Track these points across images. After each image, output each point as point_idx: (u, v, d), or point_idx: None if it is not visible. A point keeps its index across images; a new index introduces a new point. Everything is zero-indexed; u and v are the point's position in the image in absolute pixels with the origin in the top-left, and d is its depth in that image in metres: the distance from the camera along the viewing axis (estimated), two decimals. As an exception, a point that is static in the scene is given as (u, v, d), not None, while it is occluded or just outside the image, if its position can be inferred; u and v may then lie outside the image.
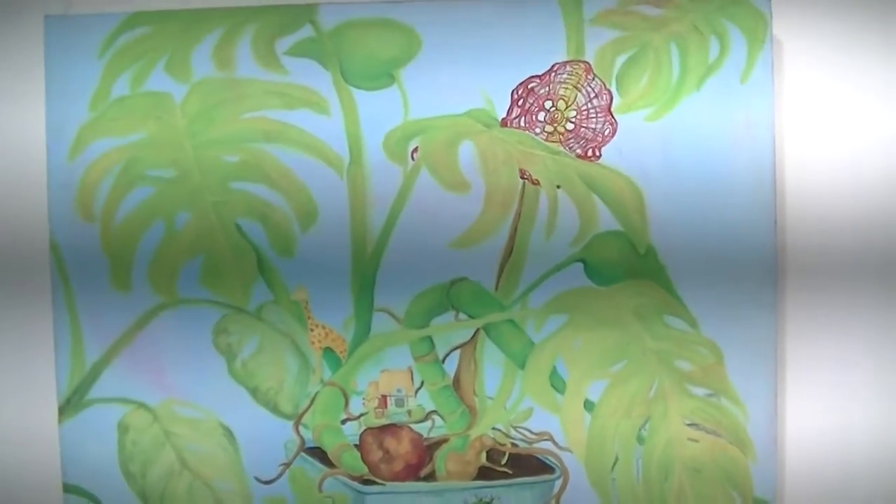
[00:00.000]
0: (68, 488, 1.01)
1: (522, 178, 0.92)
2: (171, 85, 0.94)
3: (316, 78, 0.93)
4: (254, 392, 0.93)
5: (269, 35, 0.93)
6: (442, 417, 0.95)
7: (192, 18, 0.93)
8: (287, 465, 0.97)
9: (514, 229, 0.92)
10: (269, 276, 0.93)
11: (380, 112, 0.93)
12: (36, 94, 0.96)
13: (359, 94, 0.93)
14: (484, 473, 1.01)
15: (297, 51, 0.93)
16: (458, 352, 0.95)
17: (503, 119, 0.91)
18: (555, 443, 0.93)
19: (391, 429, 0.95)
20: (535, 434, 0.93)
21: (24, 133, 0.97)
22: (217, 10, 0.93)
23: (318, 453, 1.00)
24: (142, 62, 0.94)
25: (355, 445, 0.99)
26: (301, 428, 0.94)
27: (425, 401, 0.96)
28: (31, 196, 0.97)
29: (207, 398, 0.95)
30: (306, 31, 0.93)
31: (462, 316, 0.93)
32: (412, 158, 0.92)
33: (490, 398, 0.93)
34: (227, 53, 0.92)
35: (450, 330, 0.93)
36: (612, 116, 0.91)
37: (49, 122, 0.94)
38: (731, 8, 0.90)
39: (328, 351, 0.92)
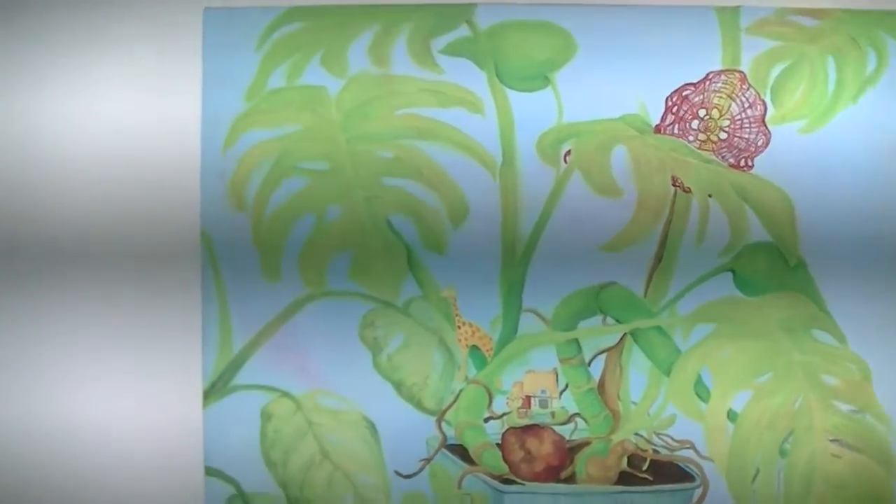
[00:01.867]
0: (210, 471, 1.03)
1: (674, 185, 0.93)
2: (326, 79, 0.96)
3: (471, 77, 0.95)
4: (398, 386, 0.94)
5: (426, 33, 0.94)
6: (585, 420, 0.96)
7: (350, 14, 0.95)
8: (428, 460, 0.98)
9: (665, 236, 0.93)
10: (419, 273, 0.94)
11: (534, 113, 0.94)
12: (192, 85, 0.98)
13: (513, 95, 0.94)
14: (624, 478, 1.02)
15: (453, 50, 0.94)
16: (604, 356, 0.96)
17: (657, 125, 0.92)
18: (696, 451, 0.94)
19: (534, 429, 0.96)
20: (677, 441, 0.94)
21: (179, 122, 1.00)
22: (374, 6, 0.95)
23: (460, 450, 1.01)
24: (298, 55, 0.95)
25: (497, 444, 1.00)
26: (444, 424, 0.96)
27: (569, 403, 0.98)
28: (183, 185, 1.00)
29: (351, 390, 0.98)
30: (463, 31, 0.94)
31: (609, 320, 0.94)
32: (565, 161, 0.93)
33: (634, 403, 0.94)
34: (384, 50, 0.94)
35: (597, 334, 0.94)
36: (766, 127, 0.92)
37: (205, 112, 0.96)
38: (889, 20, 0.91)
39: (474, 349, 0.94)
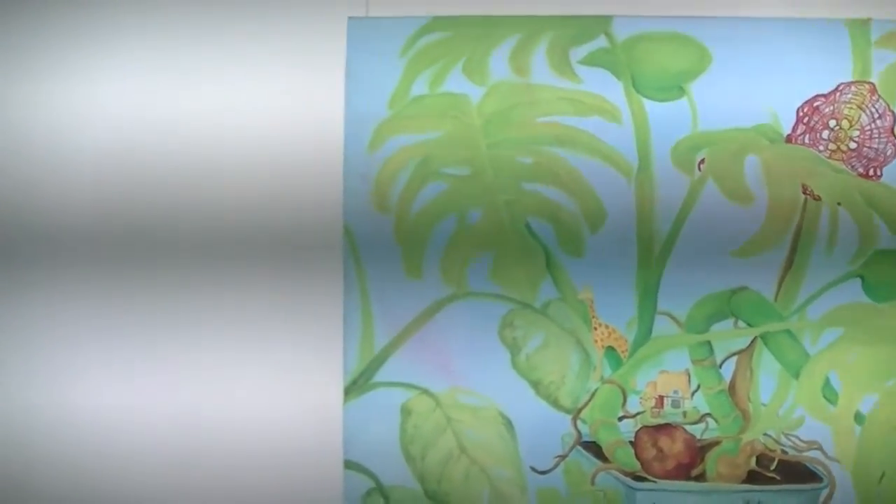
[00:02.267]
0: (349, 465, 1.07)
1: (804, 193, 0.97)
2: (468, 87, 1.00)
3: (608, 87, 0.99)
4: (535, 385, 0.99)
5: (565, 44, 0.99)
6: (716, 420, 0.99)
7: (491, 25, 0.99)
8: (563, 457, 1.01)
9: (795, 242, 0.97)
10: (557, 275, 0.98)
11: (669, 122, 0.98)
12: (335, 90, 1.02)
13: (649, 105, 0.98)
14: (752, 477, 1.05)
15: (591, 60, 0.99)
16: (735, 358, 1.00)
17: (788, 135, 0.97)
18: (824, 452, 0.98)
19: (666, 428, 0.99)
20: (805, 442, 0.98)
21: (321, 126, 1.04)
22: (515, 17, 0.99)
23: (593, 448, 1.04)
24: (441, 64, 1.00)
25: (630, 442, 1.03)
26: (579, 422, 1.00)
27: (700, 403, 1.01)
28: (325, 186, 1.04)
29: (490, 388, 1.02)
30: (600, 42, 0.99)
31: (741, 323, 0.98)
32: (699, 169, 0.97)
33: (763, 405, 0.98)
34: (524, 59, 0.98)
35: (728, 337, 0.98)
36: (895, 137, 0.95)
37: (348, 117, 1.01)
38: None
39: (610, 350, 0.98)
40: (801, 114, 0.96)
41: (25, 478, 1.20)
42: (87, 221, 1.17)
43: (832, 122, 0.96)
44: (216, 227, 1.11)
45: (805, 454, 0.98)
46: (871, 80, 0.97)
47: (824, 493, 1.01)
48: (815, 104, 0.96)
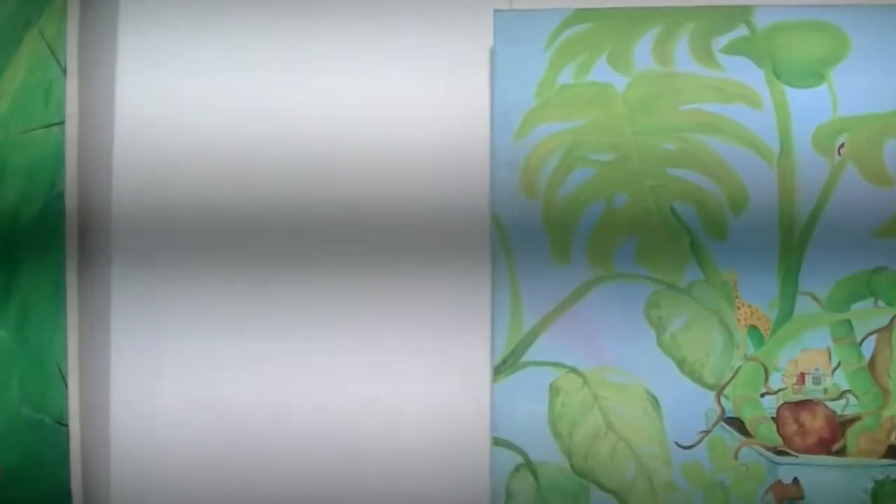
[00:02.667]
0: (498, 442, 1.11)
1: (944, 175, 1.00)
2: (613, 76, 1.05)
3: (750, 74, 1.04)
4: (680, 363, 1.04)
5: (706, 33, 1.03)
6: (856, 397, 1.06)
7: (634, 16, 1.04)
8: (706, 432, 1.06)
9: (935, 223, 1.01)
10: (701, 257, 1.04)
11: (810, 108, 1.04)
12: (480, 81, 1.08)
13: (790, 91, 1.03)
14: (892, 452, 1.08)
15: (733, 49, 1.04)
16: (874, 336, 1.05)
17: (927, 119, 1.00)
18: (963, 427, 1.00)
19: (807, 405, 1.05)
20: (945, 417, 1.01)
21: (468, 115, 1.10)
22: (657, 9, 1.04)
23: (736, 423, 1.08)
24: (586, 54, 1.05)
25: (772, 418, 1.07)
26: (722, 399, 1.05)
27: (841, 380, 1.07)
28: (472, 173, 1.10)
29: (636, 366, 1.07)
30: (741, 31, 1.03)
31: (881, 303, 1.03)
32: (839, 153, 1.02)
33: (903, 381, 1.01)
34: (667, 49, 1.03)
35: (868, 315, 1.03)
36: None
37: (496, 106, 1.07)
38: None
39: (753, 329, 1.03)
40: (939, 98, 0.99)
41: (151, 470, 1.27)
42: (229, 214, 1.24)
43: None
44: (367, 216, 1.18)
45: (944, 429, 1.00)
46: None
47: (963, 466, 0.98)
48: (953, 88, 0.99)
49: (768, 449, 1.09)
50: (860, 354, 1.03)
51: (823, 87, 1.02)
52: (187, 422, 1.25)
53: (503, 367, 1.12)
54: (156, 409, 1.27)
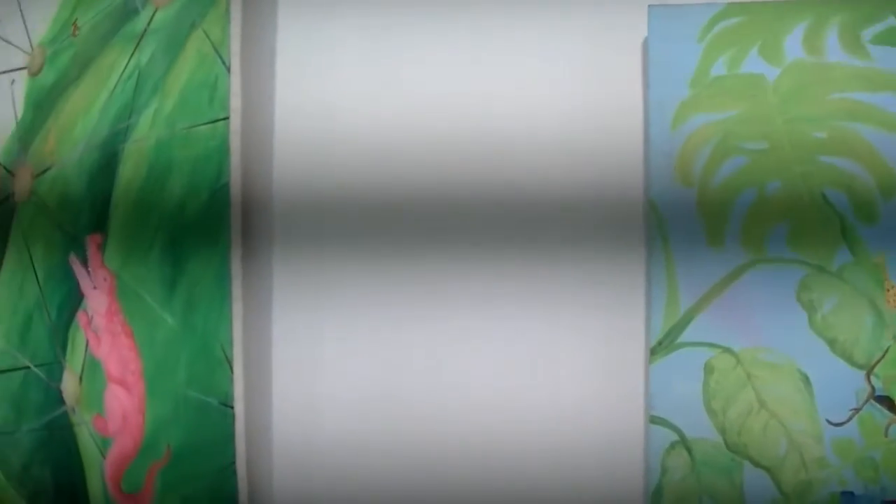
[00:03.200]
0: (654, 420, 1.17)
1: None
2: (764, 67, 1.12)
3: (898, 64, 1.07)
4: (831, 343, 1.10)
5: (856, 24, 1.09)
6: None
7: (785, 9, 1.10)
8: (857, 410, 1.13)
9: None
10: (852, 241, 1.10)
11: (957, 95, 1.06)
12: (633, 72, 1.16)
13: (939, 79, 1.07)
14: None
15: (881, 39, 1.10)
16: None
17: None
18: None
19: (959, 382, 1.07)
20: None
21: (621, 105, 1.17)
22: (807, 1, 1.10)
23: (886, 401, 1.13)
24: (737, 47, 1.12)
25: (922, 396, 1.06)
26: (872, 377, 1.11)
27: None
28: (626, 161, 1.17)
29: (788, 346, 1.14)
30: (890, 22, 1.09)
31: None
32: (983, 139, 1.06)
33: None
34: (817, 40, 1.10)
35: None
36: None
37: (651, 97, 1.13)
38: None
39: (903, 310, 1.08)
40: None
41: (311, 450, 1.35)
42: (386, 202, 1.32)
43: None
44: (524, 205, 1.26)
45: None
46: None
47: None
48: None
49: (918, 426, 1.04)
50: None
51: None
52: (346, 405, 1.32)
53: (659, 348, 1.17)
54: (316, 392, 1.34)
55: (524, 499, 1.27)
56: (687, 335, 1.19)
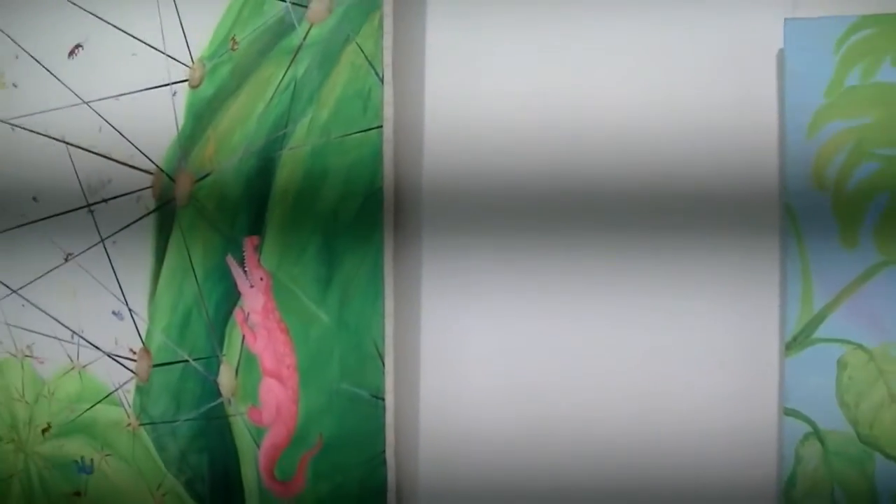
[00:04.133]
0: (788, 412, 1.29)
1: None
2: None
3: None
4: None
5: None
6: None
7: None
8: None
9: None
10: None
11: None
12: (768, 81, 1.34)
13: None
14: None
15: None
16: None
17: None
18: None
19: None
20: None
21: (757, 113, 1.33)
22: None
23: None
24: (871, 57, 1.25)
25: None
26: None
27: None
28: (763, 165, 1.33)
29: (917, 343, 1.18)
30: None
31: None
32: None
33: None
34: None
35: None
36: None
37: (787, 105, 1.27)
38: None
39: None
40: None
41: (456, 441, 1.50)
42: (533, 205, 1.46)
43: None
44: (663, 206, 1.39)
45: None
46: None
47: None
48: None
49: None
50: None
51: None
52: (491, 397, 1.46)
53: (794, 343, 1.29)
54: (462, 385, 1.48)
55: (661, 486, 1.39)
56: (821, 332, 1.30)
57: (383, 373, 1.45)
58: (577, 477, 1.42)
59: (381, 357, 1.45)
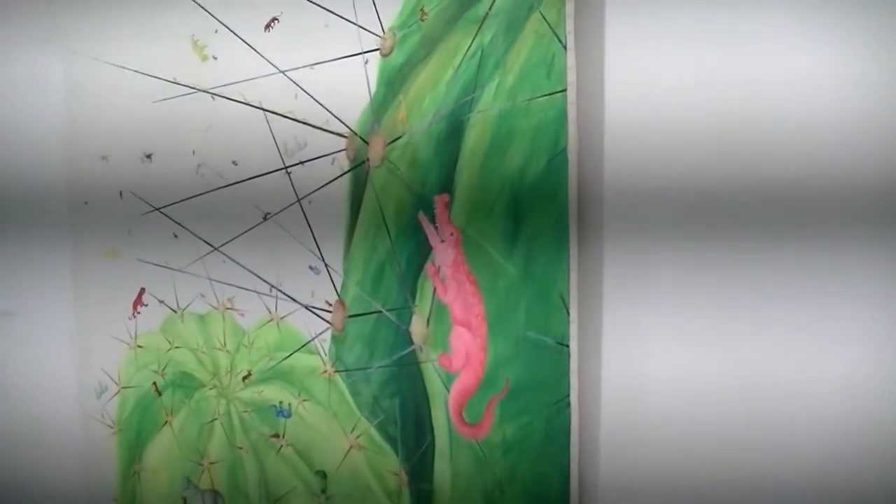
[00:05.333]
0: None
1: None
2: None
3: None
4: None
5: None
6: None
7: None
8: None
9: None
10: None
11: None
12: None
13: None
14: None
15: None
16: None
17: None
18: None
19: None
20: None
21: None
22: None
23: None
24: None
25: None
26: None
27: None
28: None
29: None
30: None
31: None
32: None
33: None
34: None
35: None
36: None
37: None
38: None
39: None
40: None
41: (636, 383, 1.61)
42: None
43: None
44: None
45: None
46: None
47: None
48: None
49: None
50: None
51: None
52: (671, 345, 1.59)
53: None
54: (643, 334, 1.61)
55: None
56: None
57: (568, 321, 1.59)
58: (751, 441, 1.53)
59: (567, 307, 1.59)
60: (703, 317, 1.54)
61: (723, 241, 1.52)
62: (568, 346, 1.59)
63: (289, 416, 2.04)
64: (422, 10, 1.75)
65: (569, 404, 1.60)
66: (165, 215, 2.21)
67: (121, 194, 2.28)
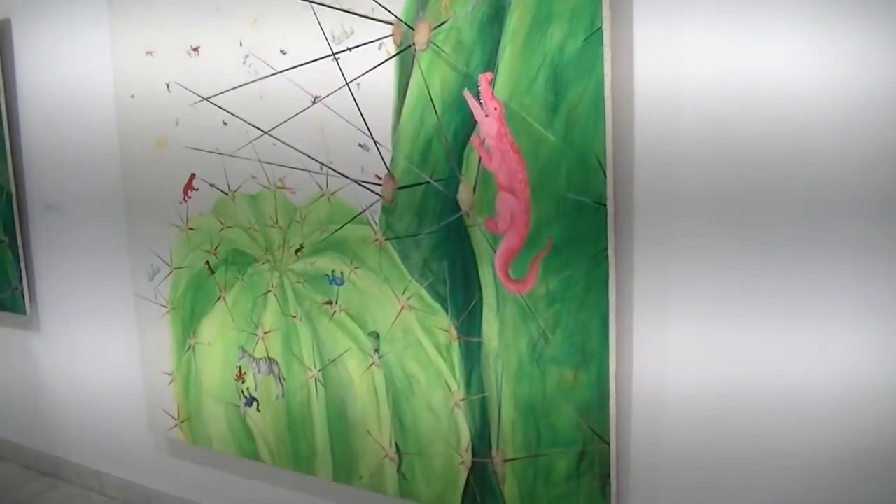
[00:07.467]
0: None
1: None
2: None
3: None
4: None
5: None
6: None
7: None
8: None
9: None
10: None
11: None
12: None
13: None
14: None
15: None
16: None
17: None
18: None
19: None
20: None
21: None
22: None
23: None
24: None
25: None
26: None
27: None
28: None
29: None
30: None
31: None
32: None
33: None
34: None
35: None
36: None
37: None
38: None
39: None
40: None
41: (669, 228, 1.72)
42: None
43: None
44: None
45: None
46: None
47: None
48: None
49: None
50: None
51: None
52: (699, 197, 1.73)
53: None
54: (672, 192, 1.74)
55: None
56: None
57: (605, 182, 1.72)
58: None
59: (604, 169, 1.71)
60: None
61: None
62: (605, 204, 1.71)
63: (342, 283, 2.19)
64: None
65: (607, 257, 1.72)
66: (214, 104, 2.32)
67: (168, 86, 2.40)
